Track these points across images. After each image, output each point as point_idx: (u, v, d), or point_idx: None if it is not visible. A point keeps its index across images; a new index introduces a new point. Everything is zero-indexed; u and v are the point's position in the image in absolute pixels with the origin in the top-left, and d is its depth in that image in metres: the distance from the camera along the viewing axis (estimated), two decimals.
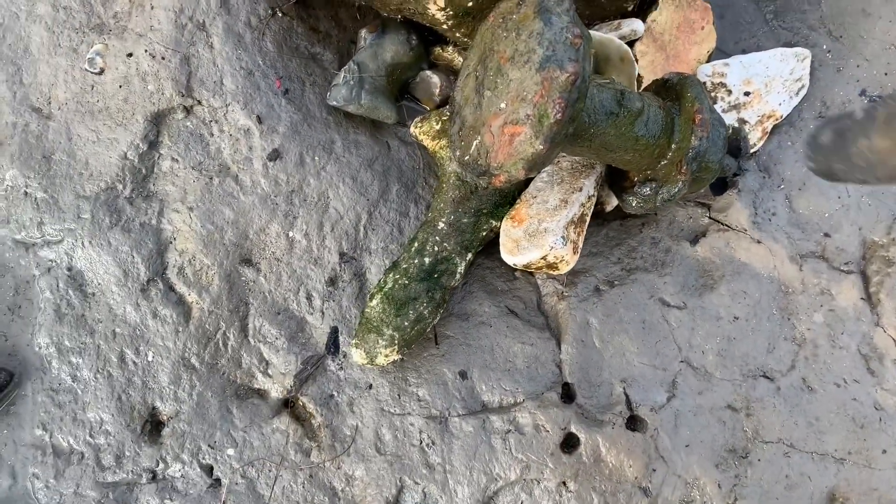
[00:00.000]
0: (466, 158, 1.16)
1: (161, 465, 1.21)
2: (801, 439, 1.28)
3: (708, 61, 1.38)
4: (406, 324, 1.19)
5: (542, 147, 1.03)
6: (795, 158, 1.39)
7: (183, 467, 1.21)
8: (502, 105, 1.06)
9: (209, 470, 1.21)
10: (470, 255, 1.25)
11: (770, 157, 1.39)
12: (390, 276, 1.22)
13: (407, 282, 1.21)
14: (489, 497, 1.21)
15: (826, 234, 1.36)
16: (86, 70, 1.25)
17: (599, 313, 1.29)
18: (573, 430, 1.22)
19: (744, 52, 1.44)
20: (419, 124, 1.30)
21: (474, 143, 1.13)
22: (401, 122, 1.34)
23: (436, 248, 1.23)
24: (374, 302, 1.21)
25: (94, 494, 1.19)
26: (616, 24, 1.33)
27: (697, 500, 1.24)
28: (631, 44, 1.34)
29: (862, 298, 1.35)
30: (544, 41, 0.99)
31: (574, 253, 1.21)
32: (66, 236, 1.23)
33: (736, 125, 1.39)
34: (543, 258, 1.19)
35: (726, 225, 1.37)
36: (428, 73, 1.32)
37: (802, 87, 1.40)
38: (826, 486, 1.27)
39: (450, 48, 1.35)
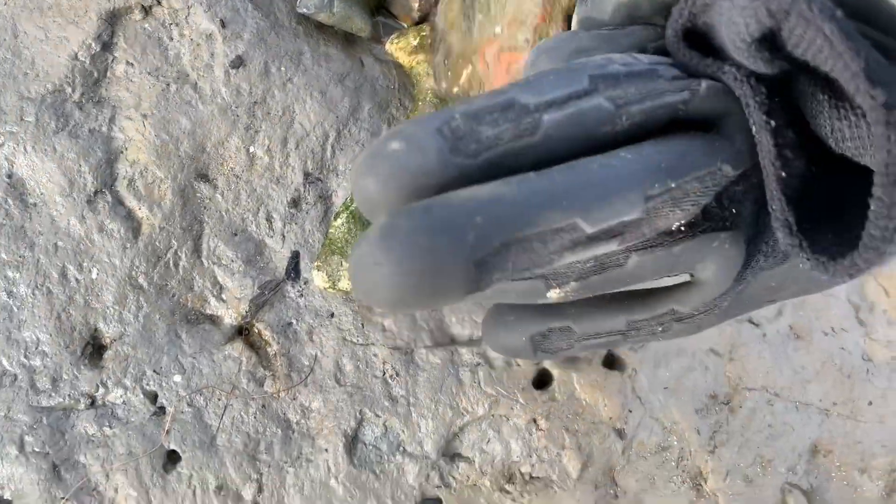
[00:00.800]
0: (455, 90, 1.08)
1: (101, 391, 1.12)
2: (786, 387, 1.22)
3: None
4: None
5: None
6: None
7: (125, 393, 1.12)
8: (497, 30, 0.98)
9: (153, 397, 1.12)
10: None
11: None
12: None
13: None
14: (454, 433, 1.13)
15: None
16: None
17: None
18: (546, 366, 1.15)
19: None
20: (395, 40, 1.21)
21: (465, 73, 1.05)
22: (376, 39, 1.26)
23: None
24: (340, 221, 1.13)
25: (27, 419, 1.09)
26: None
27: (675, 446, 1.17)
28: None
29: None
30: None
31: None
32: (7, 140, 1.13)
33: None
34: None
35: None
36: None
37: None
38: (809, 437, 1.21)
39: None
